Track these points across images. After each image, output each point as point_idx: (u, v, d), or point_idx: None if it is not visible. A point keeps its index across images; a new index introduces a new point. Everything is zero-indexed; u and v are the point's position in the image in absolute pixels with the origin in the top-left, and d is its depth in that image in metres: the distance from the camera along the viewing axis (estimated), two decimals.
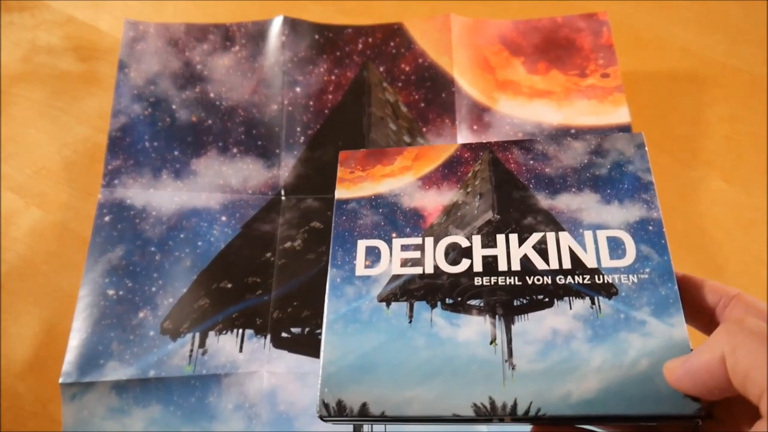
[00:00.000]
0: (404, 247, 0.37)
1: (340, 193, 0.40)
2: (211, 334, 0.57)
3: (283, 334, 0.58)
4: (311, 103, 0.69)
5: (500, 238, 0.37)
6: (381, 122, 0.68)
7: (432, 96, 0.69)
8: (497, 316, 0.34)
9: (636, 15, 0.74)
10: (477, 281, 0.35)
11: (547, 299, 0.34)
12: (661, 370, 0.31)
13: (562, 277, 0.35)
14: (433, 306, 0.35)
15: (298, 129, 0.68)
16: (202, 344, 0.57)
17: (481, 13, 0.75)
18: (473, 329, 0.34)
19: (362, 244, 0.38)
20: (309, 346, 0.57)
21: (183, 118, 0.68)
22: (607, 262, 0.35)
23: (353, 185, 0.41)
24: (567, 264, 0.35)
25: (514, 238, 0.36)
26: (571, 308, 0.34)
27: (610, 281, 0.34)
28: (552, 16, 0.73)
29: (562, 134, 0.65)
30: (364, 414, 0.33)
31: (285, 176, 0.66)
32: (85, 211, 0.62)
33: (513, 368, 0.33)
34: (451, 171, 0.40)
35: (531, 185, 0.38)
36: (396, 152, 0.41)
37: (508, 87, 0.70)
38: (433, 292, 0.36)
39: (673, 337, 0.32)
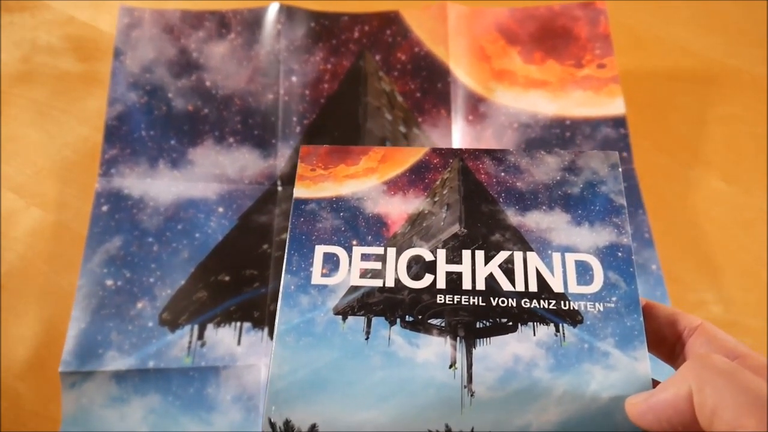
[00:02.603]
0: (365, 257, 0.35)
1: (299, 192, 0.38)
2: (210, 326, 0.58)
3: None
4: (307, 92, 0.69)
5: (466, 254, 0.35)
6: (377, 112, 0.68)
7: (428, 86, 0.69)
8: (458, 338, 0.33)
9: (636, 15, 0.74)
10: (439, 299, 0.34)
11: (510, 323, 0.33)
12: (622, 405, 0.30)
13: (528, 300, 0.33)
14: (392, 323, 0.33)
15: (295, 118, 0.68)
16: (200, 336, 0.58)
17: (478, 0, 0.74)
18: (433, 351, 0.32)
19: (320, 250, 0.35)
20: None
21: (179, 106, 0.68)
22: (574, 287, 0.34)
23: (314, 184, 0.38)
24: (533, 287, 0.34)
25: (480, 255, 0.35)
26: (534, 334, 0.33)
27: (576, 308, 0.33)
28: (549, 3, 0.72)
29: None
30: None
31: (281, 166, 0.66)
32: (85, 211, 0.63)
33: (472, 395, 0.31)
34: (418, 177, 0.38)
35: (501, 199, 0.36)
36: (361, 152, 0.39)
37: (504, 77, 0.70)
38: (393, 307, 0.34)
39: (636, 372, 0.31)
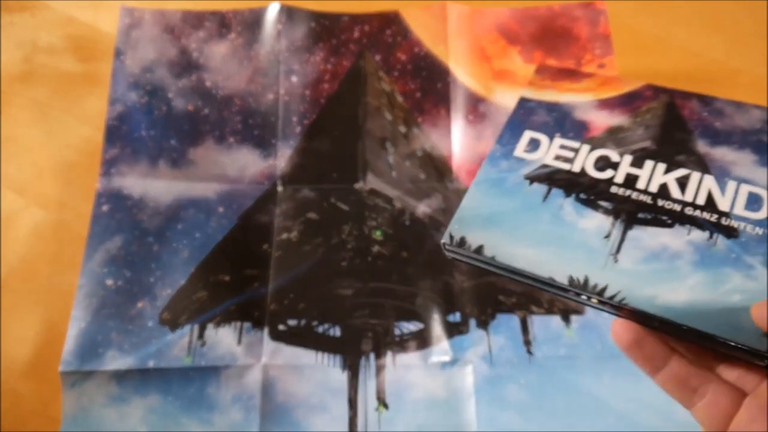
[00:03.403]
0: (562, 146, 0.42)
1: (527, 93, 0.46)
2: (210, 326, 0.58)
3: (280, 327, 0.58)
4: (307, 92, 0.69)
5: (649, 163, 0.40)
6: (377, 112, 0.68)
7: (428, 86, 0.69)
8: (620, 219, 0.37)
9: (636, 15, 0.74)
10: (613, 189, 0.39)
11: (670, 221, 0.37)
12: (749, 308, 0.32)
13: (692, 209, 0.37)
14: (568, 195, 0.39)
15: (295, 118, 0.68)
16: (200, 336, 0.58)
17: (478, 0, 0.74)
18: (594, 222, 0.38)
19: (528, 134, 0.43)
20: (306, 338, 0.58)
21: (179, 106, 0.68)
22: (740, 210, 0.37)
23: (539, 90, 0.46)
24: (701, 200, 0.37)
25: (661, 166, 0.39)
26: (688, 234, 0.36)
27: (735, 226, 0.36)
28: (549, 4, 0.72)
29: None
30: (479, 252, 0.38)
31: (281, 166, 0.66)
32: (85, 211, 0.62)
33: (616, 261, 0.36)
34: (628, 102, 0.43)
35: (696, 131, 0.41)
36: (586, 75, 0.47)
37: (504, 77, 0.70)
38: (573, 186, 0.40)
39: None
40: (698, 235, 0.36)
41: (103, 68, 0.71)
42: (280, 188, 0.65)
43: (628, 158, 0.40)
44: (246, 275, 0.61)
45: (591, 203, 0.39)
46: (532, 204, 0.39)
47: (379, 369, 0.57)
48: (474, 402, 0.55)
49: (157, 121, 0.67)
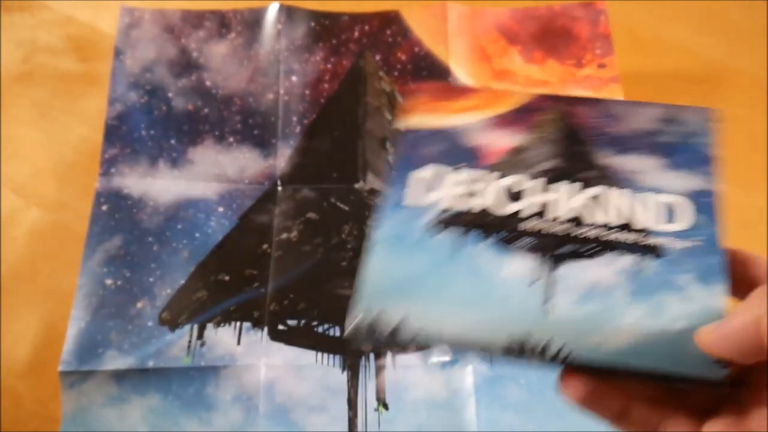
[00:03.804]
0: (463, 181, 0.37)
1: (410, 121, 0.40)
2: (209, 326, 0.58)
3: (280, 327, 0.58)
4: (307, 92, 0.69)
5: (559, 185, 0.36)
6: (377, 112, 0.68)
7: None
8: (543, 259, 0.34)
9: (636, 14, 0.74)
10: (529, 223, 0.35)
11: (594, 250, 0.34)
12: (694, 334, 0.31)
13: (613, 231, 0.35)
14: (482, 239, 0.35)
15: (294, 118, 0.68)
16: (200, 336, 0.58)
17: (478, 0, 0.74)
18: (517, 268, 0.34)
19: (422, 171, 0.38)
20: (306, 338, 0.58)
21: (179, 106, 0.68)
22: (660, 224, 0.35)
23: (423, 115, 0.41)
24: (620, 220, 0.35)
25: (573, 187, 0.36)
26: (616, 262, 0.34)
27: (660, 243, 0.34)
28: (549, 3, 0.72)
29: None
30: (397, 333, 0.33)
31: (281, 166, 0.66)
32: (85, 211, 0.62)
33: (550, 311, 0.33)
34: (523, 116, 0.40)
35: (598, 141, 0.38)
36: (471, 90, 0.42)
37: (504, 77, 0.70)
38: (485, 226, 0.35)
39: (712, 306, 0.32)
40: (625, 262, 0.34)
41: (103, 68, 0.70)
42: (280, 188, 0.65)
43: (536, 183, 0.36)
44: (246, 275, 0.61)
45: (507, 245, 0.35)
46: (442, 260, 0.34)
47: (379, 369, 0.57)
48: (474, 402, 0.55)
49: (157, 120, 0.67)
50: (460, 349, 0.33)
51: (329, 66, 0.70)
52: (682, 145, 0.37)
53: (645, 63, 0.71)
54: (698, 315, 0.31)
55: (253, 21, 0.72)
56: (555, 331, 0.32)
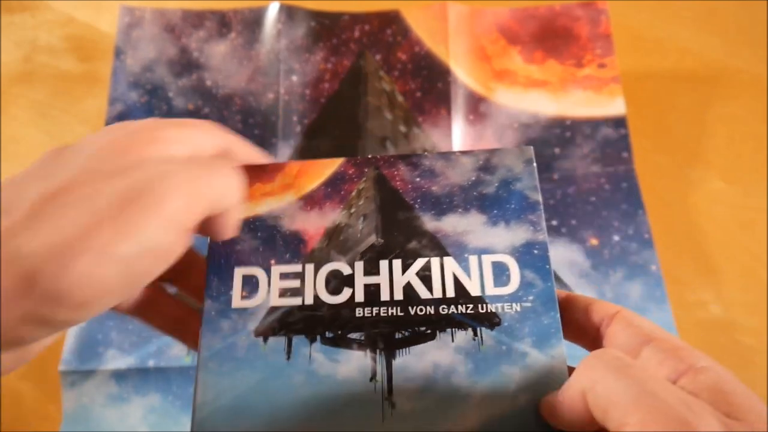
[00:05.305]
0: (283, 276, 0.34)
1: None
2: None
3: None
4: (307, 91, 0.69)
5: (383, 264, 0.34)
6: (377, 112, 0.68)
7: (428, 86, 0.69)
8: (378, 351, 0.32)
9: (636, 14, 0.74)
10: (358, 312, 0.33)
11: (429, 331, 0.32)
12: (538, 405, 0.30)
13: (446, 306, 0.33)
14: (312, 340, 0.32)
15: (295, 118, 0.68)
16: None
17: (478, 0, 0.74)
18: (353, 365, 0.32)
19: (239, 273, 0.34)
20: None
21: (180, 106, 0.68)
22: (491, 289, 0.33)
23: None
24: (451, 292, 0.33)
25: (397, 264, 0.34)
26: (453, 340, 0.32)
27: (493, 310, 0.33)
28: (550, 3, 0.72)
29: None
30: None
31: None
32: None
33: (393, 407, 0.31)
34: (334, 189, 0.36)
35: (417, 205, 0.36)
36: (276, 168, 0.37)
37: (504, 76, 0.70)
38: (313, 325, 0.33)
39: (553, 370, 0.31)
40: (463, 338, 0.32)
41: (103, 68, 0.71)
42: None
43: (359, 266, 0.34)
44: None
45: (340, 341, 0.32)
46: (276, 369, 0.32)
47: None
48: None
49: None
50: None
51: (329, 65, 0.70)
52: (502, 195, 0.35)
53: (645, 63, 0.71)
54: (541, 384, 0.31)
55: (253, 20, 0.72)
56: (399, 428, 0.30)
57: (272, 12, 0.72)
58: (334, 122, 0.68)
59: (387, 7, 0.73)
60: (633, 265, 0.61)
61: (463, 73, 0.70)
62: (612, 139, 0.66)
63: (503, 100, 0.68)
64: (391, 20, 0.72)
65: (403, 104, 0.69)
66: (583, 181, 0.64)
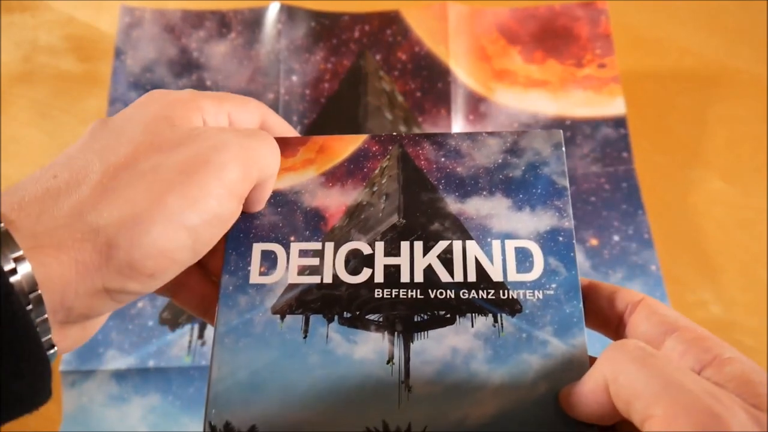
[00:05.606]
0: (302, 253, 0.34)
1: None
2: (210, 325, 0.58)
3: None
4: (307, 91, 0.69)
5: (404, 245, 0.33)
6: (377, 111, 0.68)
7: (428, 86, 0.69)
8: (396, 333, 0.32)
9: (636, 14, 0.74)
10: (377, 293, 0.32)
11: (449, 315, 0.32)
12: (557, 395, 0.30)
13: (466, 291, 0.32)
14: (330, 320, 0.32)
15: (295, 118, 0.68)
16: (200, 335, 0.58)
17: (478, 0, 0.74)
18: (371, 347, 0.31)
19: (258, 248, 0.34)
20: None
21: None
22: (513, 275, 0.32)
23: None
24: (472, 277, 0.33)
25: (418, 245, 0.33)
26: (473, 326, 0.31)
27: (515, 297, 0.32)
28: (550, 3, 0.72)
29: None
30: None
31: None
32: None
33: (409, 390, 0.30)
34: (357, 166, 0.36)
35: (441, 186, 0.35)
36: (299, 142, 0.36)
37: (504, 76, 0.70)
38: (331, 304, 0.32)
39: (574, 361, 0.30)
40: (483, 323, 0.31)
41: (103, 68, 0.71)
42: None
43: (380, 246, 0.33)
44: None
45: (358, 322, 0.32)
46: (293, 347, 0.31)
47: None
48: None
49: None
50: None
51: (329, 66, 0.71)
52: (528, 179, 0.35)
53: (645, 63, 0.71)
54: (560, 373, 0.30)
55: (253, 21, 0.72)
56: (415, 412, 0.30)
57: (272, 12, 0.72)
58: (334, 122, 0.68)
59: (387, 7, 0.73)
60: (633, 265, 0.61)
61: (463, 73, 0.70)
62: (612, 139, 0.66)
63: (503, 100, 0.68)
64: (391, 20, 0.72)
65: (403, 104, 0.69)
66: (583, 180, 0.64)
